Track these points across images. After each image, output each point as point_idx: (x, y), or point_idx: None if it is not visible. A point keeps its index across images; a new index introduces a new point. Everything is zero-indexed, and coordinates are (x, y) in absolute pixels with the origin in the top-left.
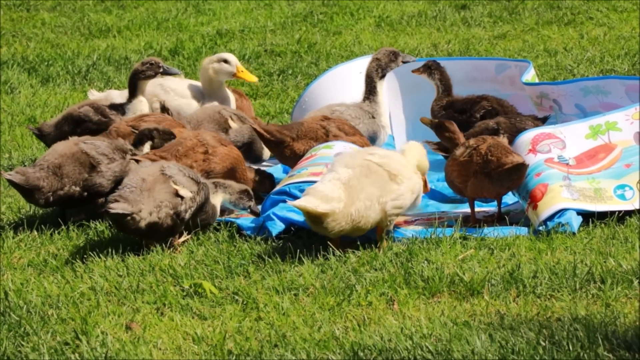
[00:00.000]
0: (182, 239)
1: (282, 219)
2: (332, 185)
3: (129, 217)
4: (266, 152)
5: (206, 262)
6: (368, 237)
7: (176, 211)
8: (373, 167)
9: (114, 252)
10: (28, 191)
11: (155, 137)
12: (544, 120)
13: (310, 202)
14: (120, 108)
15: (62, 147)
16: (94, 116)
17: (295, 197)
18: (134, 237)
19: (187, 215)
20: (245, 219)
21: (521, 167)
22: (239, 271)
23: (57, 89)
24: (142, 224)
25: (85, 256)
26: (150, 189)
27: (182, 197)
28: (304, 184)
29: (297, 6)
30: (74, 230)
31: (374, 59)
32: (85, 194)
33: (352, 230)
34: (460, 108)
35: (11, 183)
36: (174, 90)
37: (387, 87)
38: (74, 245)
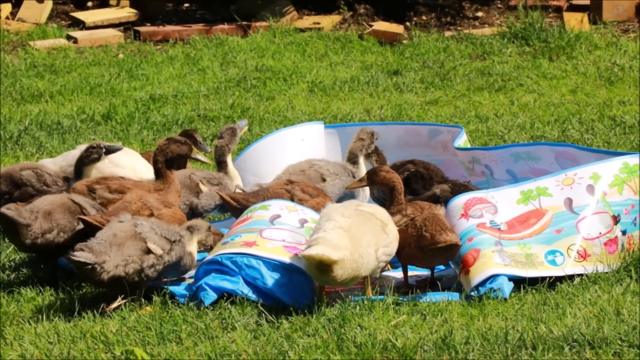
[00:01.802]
0: (114, 304)
1: (215, 289)
2: (337, 233)
3: (90, 267)
4: None
5: (138, 328)
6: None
7: (143, 268)
8: (367, 216)
9: (44, 318)
10: (16, 228)
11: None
12: None
13: (323, 250)
14: (68, 181)
15: (53, 197)
16: (36, 183)
17: (227, 268)
18: (99, 288)
19: (153, 274)
20: (179, 286)
21: (454, 247)
22: (171, 337)
23: None
24: (105, 276)
25: (15, 323)
26: (120, 244)
27: (152, 253)
28: (236, 256)
29: (230, 71)
30: (4, 297)
31: (358, 139)
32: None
33: (352, 278)
34: None
35: (3, 217)
36: (108, 158)
37: (327, 149)
38: (3, 312)
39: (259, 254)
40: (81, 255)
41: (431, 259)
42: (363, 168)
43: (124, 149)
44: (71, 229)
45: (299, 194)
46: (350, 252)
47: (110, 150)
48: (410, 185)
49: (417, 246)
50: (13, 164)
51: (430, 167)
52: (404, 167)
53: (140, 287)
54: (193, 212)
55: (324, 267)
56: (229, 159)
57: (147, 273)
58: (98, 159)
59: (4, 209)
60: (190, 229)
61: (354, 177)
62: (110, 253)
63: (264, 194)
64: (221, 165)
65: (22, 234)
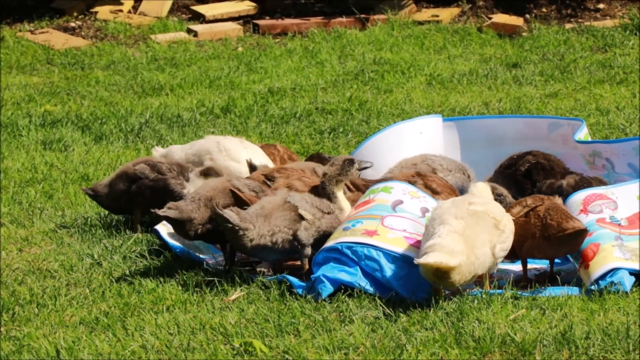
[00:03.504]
0: (234, 296)
1: (332, 281)
2: (452, 238)
3: (233, 227)
4: None
5: (256, 320)
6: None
7: (295, 235)
8: (480, 214)
9: (165, 309)
10: (181, 223)
11: None
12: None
13: (440, 258)
14: (183, 174)
15: (215, 183)
16: (150, 174)
17: (346, 257)
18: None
19: (307, 238)
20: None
21: (582, 233)
22: (289, 330)
23: (110, 147)
24: (247, 243)
25: (136, 314)
26: (267, 215)
27: (303, 219)
28: (357, 245)
29: (348, 64)
30: (125, 288)
31: None
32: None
33: (468, 280)
34: (507, 164)
35: (165, 218)
36: (227, 151)
37: (445, 142)
38: (125, 303)
39: (380, 245)
40: (225, 212)
41: (558, 247)
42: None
43: (245, 142)
44: None
45: (420, 188)
46: (467, 255)
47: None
48: (532, 177)
49: (542, 236)
50: (127, 163)
51: (550, 158)
52: (523, 159)
53: (302, 253)
54: None
55: (441, 273)
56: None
57: (302, 238)
58: None
59: (167, 212)
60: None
61: (468, 177)
62: (257, 223)
63: None
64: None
65: (187, 227)
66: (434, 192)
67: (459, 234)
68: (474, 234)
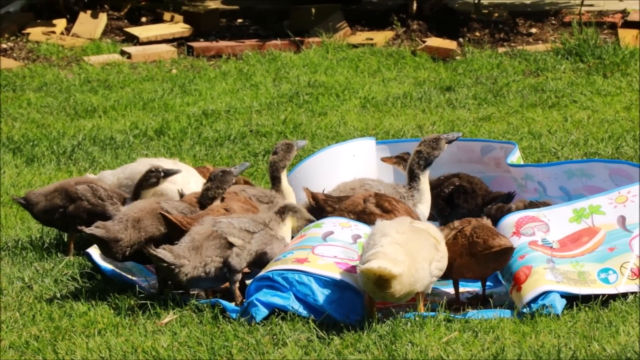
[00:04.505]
0: (167, 319)
1: (266, 304)
2: (394, 249)
3: (169, 265)
4: None
5: (189, 343)
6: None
7: (226, 262)
8: (420, 232)
9: (96, 333)
10: (107, 243)
11: None
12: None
13: (384, 264)
14: (124, 202)
15: (143, 204)
16: (91, 197)
17: (278, 284)
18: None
19: (240, 264)
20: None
21: (508, 251)
22: (222, 353)
23: (41, 169)
24: (183, 278)
25: (67, 337)
26: (197, 247)
27: (233, 246)
28: (287, 272)
29: (282, 87)
30: (56, 311)
31: (415, 151)
32: None
33: (407, 293)
34: (434, 185)
35: (93, 237)
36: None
37: (379, 165)
38: (55, 327)
39: (310, 271)
40: (160, 251)
41: (485, 264)
42: (425, 188)
43: (179, 163)
44: (159, 235)
45: (370, 207)
46: (408, 266)
47: (168, 174)
48: (452, 200)
49: (469, 253)
50: (67, 179)
51: (474, 181)
52: (449, 181)
53: (232, 279)
54: None
55: (382, 282)
56: (283, 175)
57: (233, 265)
58: (157, 183)
59: (94, 230)
60: (283, 210)
61: (403, 197)
62: (190, 256)
63: (343, 200)
64: (274, 181)
65: (114, 248)
66: (384, 211)
67: (400, 245)
68: (414, 248)
